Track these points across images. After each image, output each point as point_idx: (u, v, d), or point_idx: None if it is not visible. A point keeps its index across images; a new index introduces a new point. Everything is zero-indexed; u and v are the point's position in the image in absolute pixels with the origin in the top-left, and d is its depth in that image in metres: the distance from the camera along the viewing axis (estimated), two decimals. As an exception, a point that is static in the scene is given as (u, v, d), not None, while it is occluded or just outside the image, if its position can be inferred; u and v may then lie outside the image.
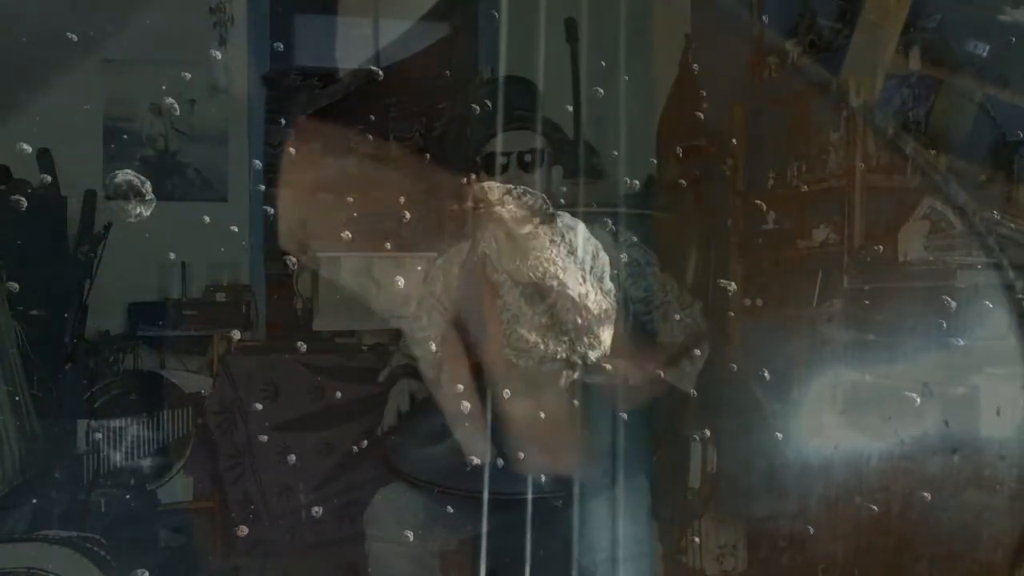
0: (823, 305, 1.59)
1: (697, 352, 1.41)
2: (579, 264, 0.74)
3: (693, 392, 1.37)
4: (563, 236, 0.74)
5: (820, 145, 1.66)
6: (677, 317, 1.41)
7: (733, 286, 1.21)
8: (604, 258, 0.77)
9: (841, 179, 1.62)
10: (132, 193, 0.76)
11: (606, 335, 0.77)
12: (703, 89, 1.86)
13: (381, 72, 0.99)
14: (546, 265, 0.74)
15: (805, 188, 1.68)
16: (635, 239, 1.40)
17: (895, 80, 1.53)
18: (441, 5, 1.99)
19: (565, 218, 0.76)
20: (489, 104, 1.33)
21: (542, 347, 0.76)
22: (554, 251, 0.73)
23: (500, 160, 1.33)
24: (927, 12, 1.50)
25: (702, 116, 1.80)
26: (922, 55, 1.51)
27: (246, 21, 2.22)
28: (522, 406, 0.81)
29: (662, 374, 1.34)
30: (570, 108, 1.60)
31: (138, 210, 0.76)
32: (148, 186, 0.76)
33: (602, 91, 1.24)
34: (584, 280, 0.73)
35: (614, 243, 1.42)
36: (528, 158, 1.33)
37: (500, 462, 0.91)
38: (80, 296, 1.90)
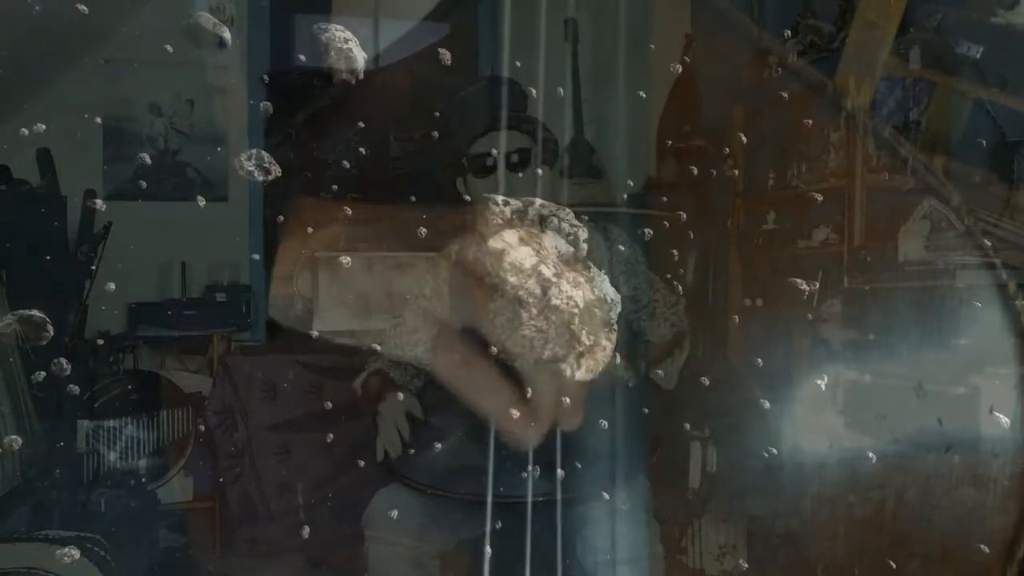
0: (823, 305, 1.59)
1: (678, 350, 1.41)
2: (537, 273, 0.73)
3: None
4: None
5: (820, 145, 1.66)
6: (664, 315, 1.41)
7: (814, 286, 1.20)
8: (548, 239, 0.75)
9: (841, 179, 1.62)
10: (258, 163, 0.82)
11: (606, 288, 0.76)
12: (703, 89, 1.86)
13: (450, 55, 0.99)
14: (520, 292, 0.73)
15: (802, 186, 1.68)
16: (625, 236, 1.40)
17: (891, 81, 1.53)
18: (442, 5, 1.98)
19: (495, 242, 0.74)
20: (476, 105, 1.33)
21: (539, 348, 0.74)
22: (515, 279, 0.72)
23: (487, 161, 1.33)
24: (924, 12, 1.50)
25: (702, 116, 1.80)
26: (920, 56, 1.51)
27: (246, 21, 2.22)
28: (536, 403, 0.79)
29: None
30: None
31: (253, 171, 0.83)
32: (276, 167, 0.81)
33: (644, 95, 1.23)
34: (551, 282, 0.72)
35: (605, 240, 1.42)
36: (515, 159, 1.33)
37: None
38: (80, 296, 1.90)
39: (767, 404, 1.30)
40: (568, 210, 0.77)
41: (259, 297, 2.21)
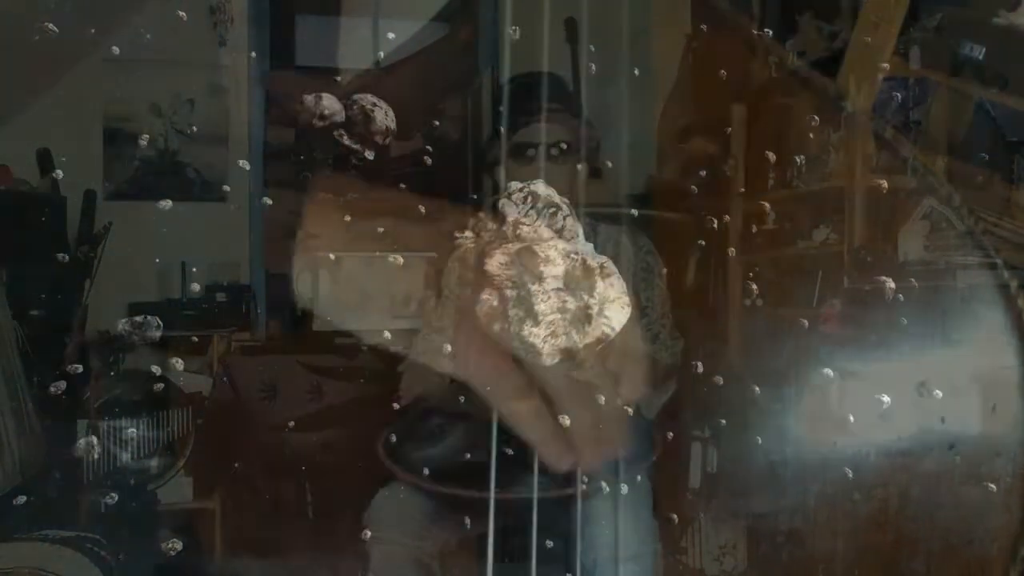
0: (823, 305, 1.60)
1: (662, 388, 1.41)
2: (509, 302, 0.72)
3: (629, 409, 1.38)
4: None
5: (820, 145, 1.66)
6: (666, 342, 1.42)
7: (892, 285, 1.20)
8: (492, 262, 0.74)
9: (841, 179, 1.63)
10: (360, 141, 0.85)
11: (561, 248, 0.75)
12: (703, 89, 1.86)
13: (517, 31, 0.99)
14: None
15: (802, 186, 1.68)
16: (650, 245, 1.41)
17: (892, 81, 1.54)
18: (450, 5, 1.99)
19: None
20: (520, 96, 1.34)
21: (553, 341, 0.73)
22: (499, 325, 0.71)
23: (528, 152, 1.34)
24: (926, 12, 1.51)
25: (701, 116, 1.80)
26: (921, 56, 1.52)
27: (246, 21, 2.22)
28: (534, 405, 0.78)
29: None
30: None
31: (343, 136, 0.85)
32: (369, 153, 0.85)
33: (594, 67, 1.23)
34: (524, 295, 0.71)
35: (631, 245, 1.43)
36: (554, 151, 1.34)
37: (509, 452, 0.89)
38: (80, 296, 1.90)
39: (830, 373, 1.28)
40: (512, 184, 0.76)
41: (259, 297, 2.21)
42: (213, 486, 1.94)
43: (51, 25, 0.90)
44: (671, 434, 1.58)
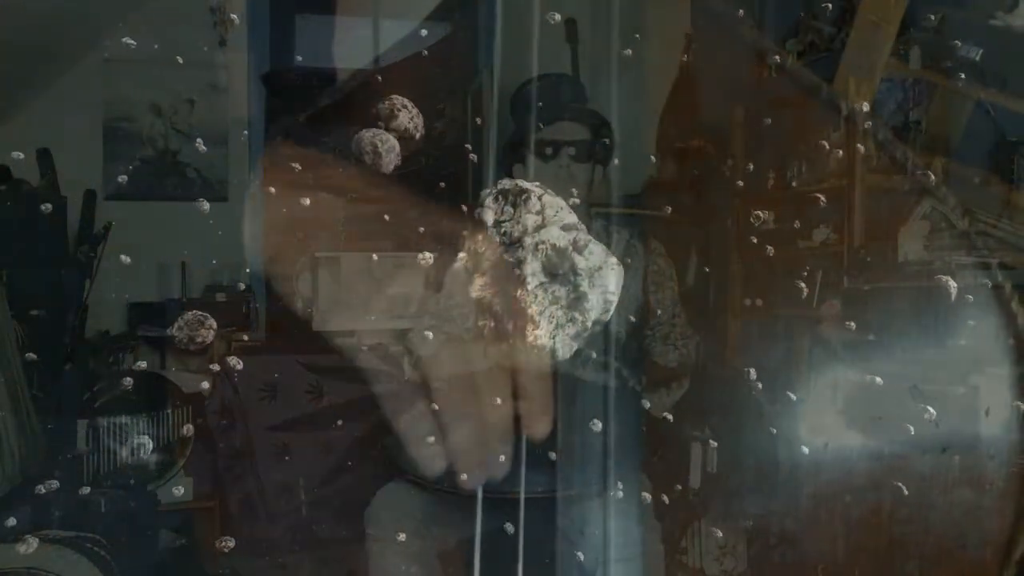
0: (823, 305, 1.60)
1: (676, 384, 1.42)
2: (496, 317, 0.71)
3: (668, 416, 1.38)
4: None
5: (819, 145, 1.66)
6: (675, 342, 1.42)
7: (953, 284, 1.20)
8: (478, 284, 0.73)
9: (841, 179, 1.63)
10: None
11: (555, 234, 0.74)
12: (703, 89, 1.86)
13: (556, 18, 1.01)
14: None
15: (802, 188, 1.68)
16: (663, 249, 1.41)
17: (891, 82, 1.54)
18: (445, 4, 1.99)
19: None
20: (540, 96, 1.35)
21: (561, 333, 0.72)
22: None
23: (547, 150, 1.36)
24: (924, 13, 1.51)
25: (702, 116, 1.80)
26: (921, 56, 1.52)
27: (246, 21, 2.22)
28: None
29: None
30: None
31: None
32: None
33: (630, 51, 1.25)
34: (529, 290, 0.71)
35: (644, 251, 1.43)
36: (572, 151, 1.35)
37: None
38: (80, 296, 1.90)
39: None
40: (483, 192, 0.75)
41: (259, 297, 2.21)
42: (213, 485, 1.94)
43: (129, 39, 0.90)
44: (714, 444, 1.58)
